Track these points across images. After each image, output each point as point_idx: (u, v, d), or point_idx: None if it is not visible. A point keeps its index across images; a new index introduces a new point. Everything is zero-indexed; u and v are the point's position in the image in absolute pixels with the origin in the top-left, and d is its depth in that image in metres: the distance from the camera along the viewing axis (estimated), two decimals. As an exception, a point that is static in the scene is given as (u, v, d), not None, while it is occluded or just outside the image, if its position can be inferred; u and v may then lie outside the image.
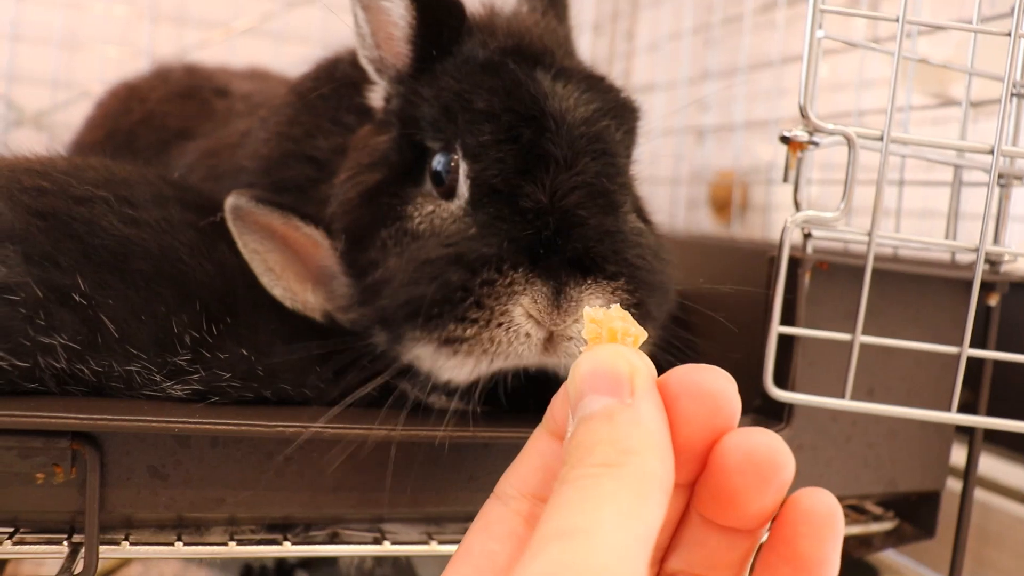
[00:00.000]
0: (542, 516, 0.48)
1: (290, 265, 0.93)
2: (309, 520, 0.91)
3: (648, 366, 0.55)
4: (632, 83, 2.32)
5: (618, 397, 0.52)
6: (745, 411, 0.98)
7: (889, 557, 1.35)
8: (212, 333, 0.86)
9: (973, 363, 0.94)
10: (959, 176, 1.09)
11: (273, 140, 1.09)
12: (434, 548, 0.91)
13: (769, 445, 0.52)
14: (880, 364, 1.03)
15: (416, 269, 0.81)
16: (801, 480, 1.02)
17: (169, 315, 0.85)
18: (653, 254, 0.87)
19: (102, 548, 0.80)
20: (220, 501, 0.83)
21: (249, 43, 2.12)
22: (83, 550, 0.79)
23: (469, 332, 0.78)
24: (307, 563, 1.21)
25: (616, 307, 0.59)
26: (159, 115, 1.45)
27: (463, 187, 0.86)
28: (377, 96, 1.01)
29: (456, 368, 0.81)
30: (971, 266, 0.91)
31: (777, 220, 1.96)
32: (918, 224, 1.56)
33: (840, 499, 1.13)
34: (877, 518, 1.14)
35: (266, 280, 0.92)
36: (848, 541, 1.17)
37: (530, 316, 0.79)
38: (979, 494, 1.26)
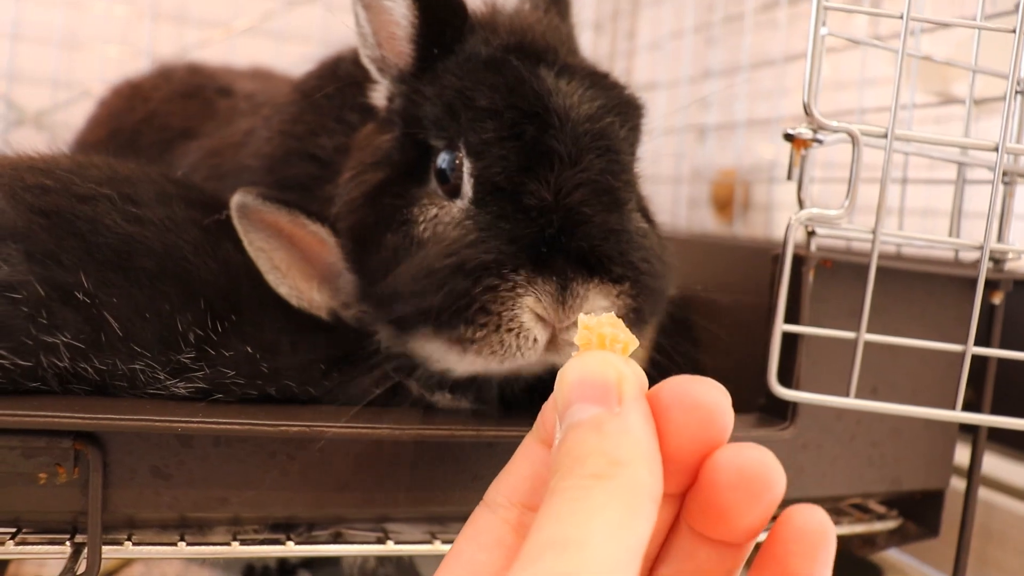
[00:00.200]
0: (533, 526, 0.48)
1: (296, 263, 0.92)
2: (313, 520, 0.91)
3: (637, 373, 0.54)
4: (633, 82, 2.31)
5: (606, 406, 0.51)
6: (749, 410, 0.97)
7: (893, 556, 1.35)
8: (217, 331, 0.86)
9: (977, 361, 0.93)
10: (963, 174, 1.09)
11: (276, 139, 1.09)
12: (437, 548, 0.91)
13: (761, 461, 0.52)
14: (884, 362, 1.02)
15: (422, 279, 0.81)
16: (805, 479, 1.03)
17: (173, 313, 0.85)
18: (657, 258, 0.87)
19: (105, 548, 0.80)
20: (223, 501, 0.83)
21: (249, 42, 2.12)
22: (86, 550, 0.79)
23: (479, 334, 0.79)
24: (310, 563, 1.21)
25: (609, 315, 0.59)
26: (162, 114, 1.45)
27: (467, 185, 0.86)
28: (380, 95, 1.01)
29: (466, 366, 0.83)
30: (975, 264, 0.91)
31: (778, 219, 1.96)
32: (921, 222, 1.56)
33: (844, 498, 1.13)
34: (881, 517, 1.14)
35: (272, 278, 0.91)
36: (852, 540, 1.17)
37: (537, 316, 0.79)
38: (983, 493, 1.26)
